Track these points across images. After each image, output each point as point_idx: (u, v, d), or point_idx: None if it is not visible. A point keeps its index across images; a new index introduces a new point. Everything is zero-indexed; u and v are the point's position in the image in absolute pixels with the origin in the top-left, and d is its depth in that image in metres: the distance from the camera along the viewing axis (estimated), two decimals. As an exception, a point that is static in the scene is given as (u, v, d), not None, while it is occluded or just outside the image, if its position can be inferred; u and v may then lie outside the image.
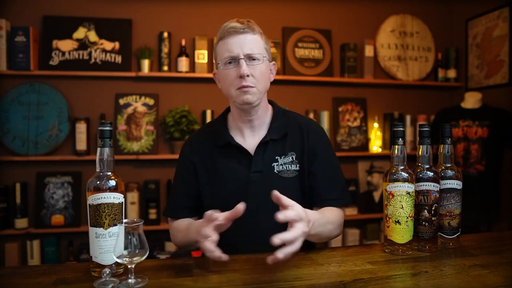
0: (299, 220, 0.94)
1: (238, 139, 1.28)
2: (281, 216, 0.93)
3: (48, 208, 2.67)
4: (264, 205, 1.20)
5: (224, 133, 1.29)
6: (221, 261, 0.96)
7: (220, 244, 1.22)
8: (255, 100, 1.20)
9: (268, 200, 1.19)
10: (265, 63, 1.22)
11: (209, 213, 1.00)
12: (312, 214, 1.07)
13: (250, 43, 1.19)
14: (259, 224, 1.18)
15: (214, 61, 1.29)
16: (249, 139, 1.28)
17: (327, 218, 1.16)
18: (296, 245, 0.92)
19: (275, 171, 1.24)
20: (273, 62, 1.30)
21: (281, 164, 1.24)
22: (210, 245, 0.95)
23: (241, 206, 0.97)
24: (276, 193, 0.98)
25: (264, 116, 1.29)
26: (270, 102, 1.35)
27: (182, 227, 1.26)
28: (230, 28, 1.19)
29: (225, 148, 1.27)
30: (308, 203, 1.28)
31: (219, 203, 1.22)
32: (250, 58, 1.18)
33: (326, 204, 1.25)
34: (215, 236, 0.97)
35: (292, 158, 1.26)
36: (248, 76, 1.17)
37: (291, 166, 1.25)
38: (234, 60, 1.19)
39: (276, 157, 1.25)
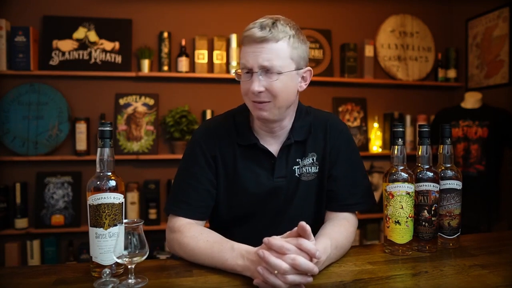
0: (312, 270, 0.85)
1: (260, 140, 1.18)
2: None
3: (48, 208, 2.67)
4: (286, 211, 1.18)
5: (249, 132, 1.18)
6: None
7: None
8: (271, 117, 1.10)
9: (289, 205, 1.18)
10: (288, 75, 1.06)
11: (278, 244, 0.85)
12: (322, 252, 0.95)
13: (269, 53, 1.03)
14: (280, 230, 1.00)
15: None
16: (270, 140, 1.18)
17: (337, 244, 1.05)
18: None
19: (296, 174, 1.17)
20: (308, 68, 1.13)
21: (301, 167, 1.18)
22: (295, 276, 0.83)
23: (305, 225, 0.86)
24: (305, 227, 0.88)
25: (288, 123, 1.18)
26: None
27: (203, 244, 1.03)
28: (249, 35, 1.05)
29: (248, 148, 1.17)
30: (324, 206, 1.22)
31: (238, 209, 1.20)
32: (266, 71, 1.04)
33: (342, 209, 1.18)
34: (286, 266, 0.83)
35: (313, 159, 1.18)
36: (262, 92, 1.05)
37: (311, 168, 1.18)
38: (250, 71, 1.06)
39: (297, 160, 1.18)
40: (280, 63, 1.04)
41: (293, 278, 0.83)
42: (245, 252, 0.94)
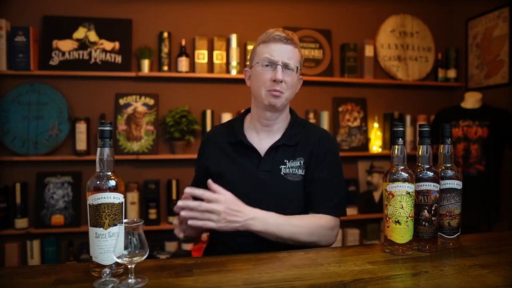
0: (214, 201, 1.11)
1: (252, 139, 1.34)
2: (178, 204, 1.12)
3: (48, 208, 2.67)
4: (269, 203, 1.23)
5: (239, 131, 1.36)
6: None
7: (223, 241, 1.29)
8: (280, 105, 1.28)
9: (272, 199, 1.26)
10: (297, 75, 1.30)
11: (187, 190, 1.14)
12: (261, 212, 1.18)
13: (290, 54, 1.28)
14: None
15: (249, 60, 1.37)
16: (264, 141, 1.34)
17: (290, 221, 1.20)
18: (201, 218, 1.10)
19: (282, 173, 1.29)
20: (301, 76, 1.37)
21: (288, 167, 1.30)
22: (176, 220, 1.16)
23: (187, 190, 1.14)
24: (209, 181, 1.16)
25: (282, 122, 1.36)
26: (290, 110, 1.40)
27: None
28: (276, 36, 1.28)
29: (238, 146, 1.34)
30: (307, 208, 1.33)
31: None
32: (286, 66, 1.27)
33: (316, 210, 1.28)
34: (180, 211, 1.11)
35: (300, 163, 1.31)
36: (281, 82, 1.25)
37: (297, 170, 1.30)
38: (272, 64, 1.26)
39: (285, 161, 1.30)
40: (295, 63, 1.29)
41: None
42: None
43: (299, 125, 1.37)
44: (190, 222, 1.10)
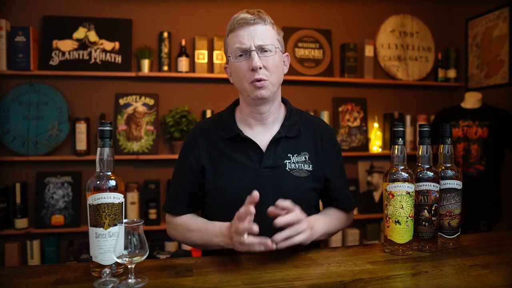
0: (299, 222, 1.03)
1: (247, 133, 1.23)
2: (279, 221, 1.01)
3: (48, 208, 2.67)
4: (274, 202, 1.13)
5: (232, 125, 1.24)
6: (263, 250, 1.01)
7: None
8: (268, 95, 1.17)
9: (278, 197, 1.14)
10: (278, 54, 1.18)
11: (240, 213, 1.02)
12: (314, 218, 1.16)
13: (262, 34, 1.15)
14: (267, 221, 1.05)
15: (224, 55, 1.26)
16: (260, 134, 1.23)
17: (331, 217, 1.26)
18: (297, 238, 1.02)
19: (287, 168, 1.20)
20: (286, 53, 1.26)
21: (293, 162, 1.21)
22: (253, 239, 1.00)
23: (255, 193, 1.01)
24: (278, 202, 1.05)
25: (277, 112, 1.26)
26: (283, 100, 1.31)
27: (195, 226, 1.22)
28: (241, 20, 1.15)
29: (233, 140, 1.22)
30: (324, 205, 1.35)
31: (225, 199, 1.21)
32: (261, 49, 1.15)
33: (342, 208, 1.32)
34: (255, 227, 0.99)
35: (305, 157, 1.23)
36: (260, 68, 1.13)
37: (303, 165, 1.22)
38: (245, 53, 1.15)
39: (289, 155, 1.21)
40: (271, 42, 1.17)
41: (250, 239, 0.99)
42: (222, 229, 1.11)
43: (296, 115, 1.28)
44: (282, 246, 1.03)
